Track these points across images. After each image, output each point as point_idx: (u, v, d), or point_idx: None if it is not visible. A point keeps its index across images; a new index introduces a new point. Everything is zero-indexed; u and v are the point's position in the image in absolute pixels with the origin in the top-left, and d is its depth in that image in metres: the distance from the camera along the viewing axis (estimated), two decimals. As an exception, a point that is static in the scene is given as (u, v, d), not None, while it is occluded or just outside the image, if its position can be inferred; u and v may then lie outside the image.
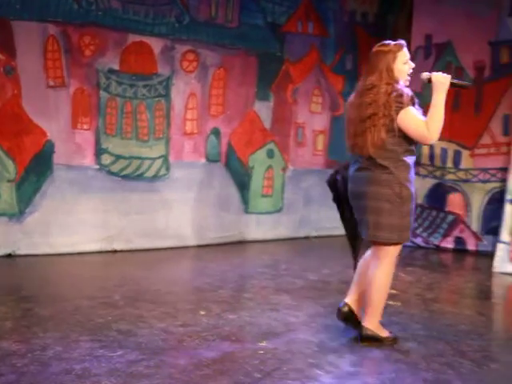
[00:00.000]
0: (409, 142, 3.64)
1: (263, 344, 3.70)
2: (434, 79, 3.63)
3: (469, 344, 3.85)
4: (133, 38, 6.38)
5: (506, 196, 6.22)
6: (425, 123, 3.56)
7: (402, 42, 3.75)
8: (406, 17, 7.83)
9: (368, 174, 3.65)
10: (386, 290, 3.76)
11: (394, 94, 3.56)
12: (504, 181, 6.57)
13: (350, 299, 3.93)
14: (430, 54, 7.29)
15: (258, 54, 7.16)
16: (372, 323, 3.76)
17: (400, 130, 3.58)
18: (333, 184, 3.97)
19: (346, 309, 3.91)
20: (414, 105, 3.61)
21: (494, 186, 6.91)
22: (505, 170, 6.59)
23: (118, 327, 3.93)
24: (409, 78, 3.72)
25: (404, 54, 3.69)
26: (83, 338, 3.69)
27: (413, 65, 3.73)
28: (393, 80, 3.63)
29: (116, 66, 6.31)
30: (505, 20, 6.79)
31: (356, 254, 4.01)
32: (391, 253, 3.70)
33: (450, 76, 3.63)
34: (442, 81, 3.61)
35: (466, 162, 7.08)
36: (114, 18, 6.26)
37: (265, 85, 7.23)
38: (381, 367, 3.43)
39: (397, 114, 3.55)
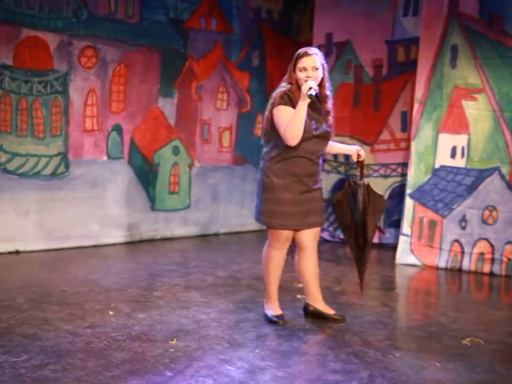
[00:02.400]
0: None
1: (174, 342, 3.68)
2: (302, 88, 3.78)
3: (374, 334, 3.98)
4: (27, 32, 6.15)
5: (407, 190, 6.46)
6: (285, 125, 3.81)
7: (304, 50, 3.94)
8: (310, 16, 7.98)
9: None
10: (267, 271, 4.17)
11: (277, 92, 3.92)
12: (404, 175, 6.83)
13: (308, 298, 4.28)
14: (331, 53, 7.46)
15: (161, 51, 7.09)
16: (265, 302, 4.25)
17: (273, 125, 3.91)
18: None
19: (310, 308, 4.27)
20: (289, 104, 3.85)
21: (394, 180, 7.16)
22: (404, 164, 6.84)
23: (22, 331, 3.79)
24: (312, 84, 3.77)
25: (301, 62, 3.89)
26: (-15, 343, 3.54)
27: (311, 73, 3.86)
28: (290, 80, 3.94)
29: (9, 62, 6.07)
30: (400, 20, 7.05)
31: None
32: (270, 236, 4.12)
33: (310, 87, 3.71)
34: (304, 92, 3.74)
35: (367, 157, 7.28)
36: (5, 11, 6.00)
37: (168, 81, 7.17)
38: (290, 360, 3.48)
39: (271, 110, 3.91)
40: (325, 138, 4.04)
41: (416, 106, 6.41)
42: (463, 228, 6.06)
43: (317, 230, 4.18)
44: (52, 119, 6.39)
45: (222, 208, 7.68)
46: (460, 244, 6.06)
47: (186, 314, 4.30)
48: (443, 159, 6.25)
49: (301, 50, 3.95)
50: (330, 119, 4.07)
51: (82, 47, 6.51)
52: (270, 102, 3.96)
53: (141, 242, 6.99)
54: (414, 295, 5.60)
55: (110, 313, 4.24)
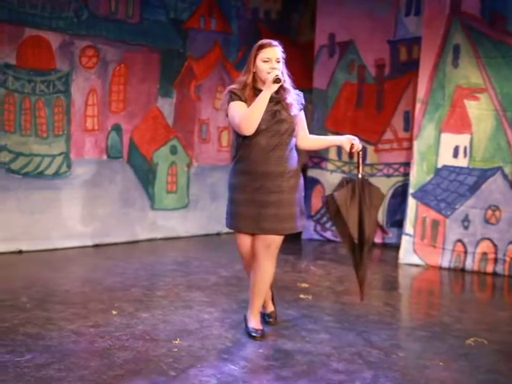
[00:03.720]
0: (239, 135, 3.73)
1: (177, 342, 3.68)
2: (268, 76, 3.59)
3: (377, 334, 3.98)
4: (30, 32, 6.15)
5: (409, 190, 6.46)
6: (240, 115, 3.60)
7: (268, 41, 3.78)
8: (310, 16, 7.97)
9: None
10: (250, 281, 3.89)
11: (225, 94, 3.77)
12: (407, 175, 6.82)
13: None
14: (334, 53, 7.46)
15: (161, 50, 7.09)
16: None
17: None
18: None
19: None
20: (237, 99, 3.66)
21: (397, 180, 7.16)
22: (407, 164, 6.84)
23: (26, 330, 3.79)
24: (278, 72, 3.57)
25: (264, 53, 3.70)
26: (-12, 343, 3.55)
27: (275, 65, 3.65)
28: (246, 73, 3.74)
29: (13, 61, 6.08)
30: (402, 19, 7.05)
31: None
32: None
33: (276, 75, 3.53)
34: (270, 79, 3.55)
35: (371, 157, 7.31)
36: (9, 10, 6.01)
37: (167, 81, 7.17)
38: (293, 360, 3.48)
39: (226, 111, 3.75)
40: (280, 132, 3.68)
41: (418, 105, 6.41)
42: (466, 228, 6.05)
43: (272, 238, 3.73)
44: (54, 119, 6.40)
45: (222, 207, 7.65)
46: (463, 244, 6.05)
47: (189, 313, 4.30)
48: (445, 159, 6.24)
49: (263, 41, 3.77)
50: (293, 111, 3.72)
51: (83, 47, 6.52)
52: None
53: (141, 241, 6.99)
54: (417, 295, 5.60)
55: (114, 312, 4.24)
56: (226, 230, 7.72)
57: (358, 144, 3.75)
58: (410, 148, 6.77)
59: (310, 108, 7.91)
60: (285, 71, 3.76)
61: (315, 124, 7.55)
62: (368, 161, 7.31)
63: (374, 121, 7.26)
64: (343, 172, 7.44)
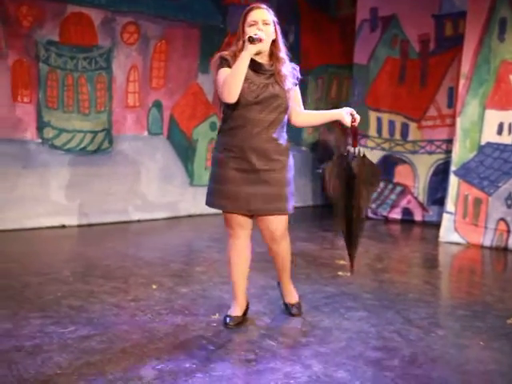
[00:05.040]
0: (227, 106, 3.41)
1: (216, 317, 3.71)
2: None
3: (417, 312, 3.95)
4: (71, 8, 6.22)
5: (451, 167, 6.35)
6: (223, 80, 3.31)
7: (255, 3, 3.43)
8: (350, -10, 7.85)
9: None
10: (228, 263, 3.70)
11: (213, 59, 3.47)
12: (449, 152, 6.71)
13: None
14: (376, 28, 7.35)
15: (201, 26, 7.08)
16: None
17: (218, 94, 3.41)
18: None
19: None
20: (226, 66, 3.36)
21: (439, 157, 7.06)
22: (449, 141, 6.73)
23: (69, 303, 3.87)
24: (254, 36, 3.26)
25: (250, 16, 3.39)
26: (33, 314, 3.63)
27: (261, 27, 3.34)
28: (237, 41, 3.45)
29: (55, 38, 6.15)
30: (448, -7, 6.90)
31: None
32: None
33: (251, 33, 3.28)
34: (245, 38, 3.31)
35: (413, 134, 7.20)
36: (51, -13, 6.08)
37: (208, 57, 7.09)
38: (332, 336, 3.48)
39: (214, 78, 3.45)
40: (271, 104, 3.38)
41: (462, 81, 6.27)
42: (509, 206, 5.93)
43: (271, 219, 3.51)
44: (96, 95, 6.47)
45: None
46: (506, 223, 5.94)
47: (228, 289, 4.30)
48: (489, 136, 6.11)
49: (251, 5, 3.42)
50: (287, 84, 3.42)
51: (125, 23, 6.55)
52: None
53: (180, 217, 7.05)
54: (458, 273, 5.53)
55: (153, 287, 4.30)
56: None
57: (358, 117, 3.44)
58: (452, 125, 6.65)
59: (350, 83, 7.83)
60: (279, 38, 3.47)
61: (355, 100, 7.46)
62: (410, 137, 7.21)
63: (417, 97, 7.14)
64: (383, 149, 7.36)
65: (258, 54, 3.37)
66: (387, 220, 7.29)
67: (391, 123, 7.35)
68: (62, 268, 4.71)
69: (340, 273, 4.80)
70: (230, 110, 3.42)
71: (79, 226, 6.35)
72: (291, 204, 3.55)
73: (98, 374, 2.86)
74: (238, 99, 3.33)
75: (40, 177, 6.17)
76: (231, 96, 3.27)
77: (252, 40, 3.24)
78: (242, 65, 3.25)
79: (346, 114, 3.43)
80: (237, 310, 3.63)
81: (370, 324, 3.70)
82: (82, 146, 6.43)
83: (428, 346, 3.37)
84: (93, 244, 5.67)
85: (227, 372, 2.95)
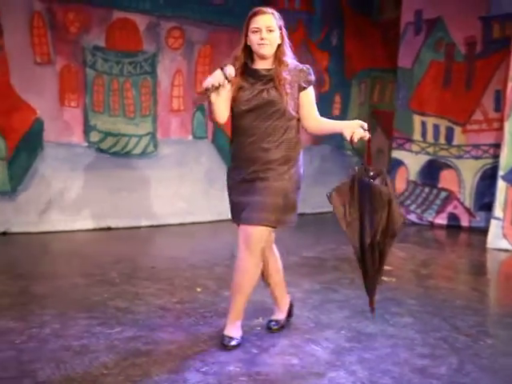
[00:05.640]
0: (231, 116, 3.35)
1: (260, 320, 3.72)
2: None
3: (464, 319, 3.88)
4: (117, 14, 6.32)
5: (499, 172, 6.23)
6: None
7: (259, 8, 3.30)
8: (394, -7, 7.77)
9: None
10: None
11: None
12: (496, 157, 6.58)
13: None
14: (421, 30, 7.26)
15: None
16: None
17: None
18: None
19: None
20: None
21: (486, 162, 6.93)
22: (497, 146, 6.60)
23: (115, 304, 3.93)
24: (263, 47, 3.21)
25: (253, 22, 3.26)
26: (80, 315, 3.70)
27: (265, 35, 3.20)
28: (241, 45, 3.33)
29: (102, 43, 6.27)
30: (495, -5, 6.78)
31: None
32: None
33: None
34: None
35: (458, 138, 7.09)
36: (98, -7, 6.19)
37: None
38: (376, 342, 3.45)
39: None
40: (265, 112, 3.22)
41: (510, 84, 6.15)
42: (559, 212, 5.79)
43: (250, 229, 3.23)
44: (141, 99, 6.56)
45: (304, 188, 7.63)
46: (556, 229, 5.80)
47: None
48: (539, 140, 5.98)
49: (255, 9, 3.30)
50: (286, 88, 3.21)
51: (169, 28, 6.63)
52: None
53: (224, 220, 7.06)
54: (506, 281, 5.41)
55: (198, 289, 4.32)
56: (309, 210, 7.78)
57: (360, 132, 3.04)
58: (500, 129, 6.52)
59: (395, 87, 7.76)
60: (285, 42, 3.28)
61: (400, 103, 7.39)
62: (455, 142, 7.10)
63: (463, 100, 7.03)
64: (428, 153, 7.26)
65: (262, 58, 3.27)
66: (433, 225, 7.18)
67: (436, 127, 7.25)
68: (108, 270, 4.78)
69: (384, 278, 4.74)
70: (232, 120, 3.36)
71: (124, 228, 6.43)
72: (279, 217, 3.30)
73: (144, 375, 2.89)
74: (233, 109, 3.29)
75: (86, 180, 6.28)
76: (219, 120, 3.29)
77: (205, 93, 3.19)
78: (211, 106, 3.24)
79: (346, 128, 3.10)
80: (232, 330, 3.35)
81: (415, 330, 3.65)
82: (127, 149, 6.52)
83: (476, 355, 3.31)
84: (138, 246, 5.74)
85: (271, 376, 2.95)
